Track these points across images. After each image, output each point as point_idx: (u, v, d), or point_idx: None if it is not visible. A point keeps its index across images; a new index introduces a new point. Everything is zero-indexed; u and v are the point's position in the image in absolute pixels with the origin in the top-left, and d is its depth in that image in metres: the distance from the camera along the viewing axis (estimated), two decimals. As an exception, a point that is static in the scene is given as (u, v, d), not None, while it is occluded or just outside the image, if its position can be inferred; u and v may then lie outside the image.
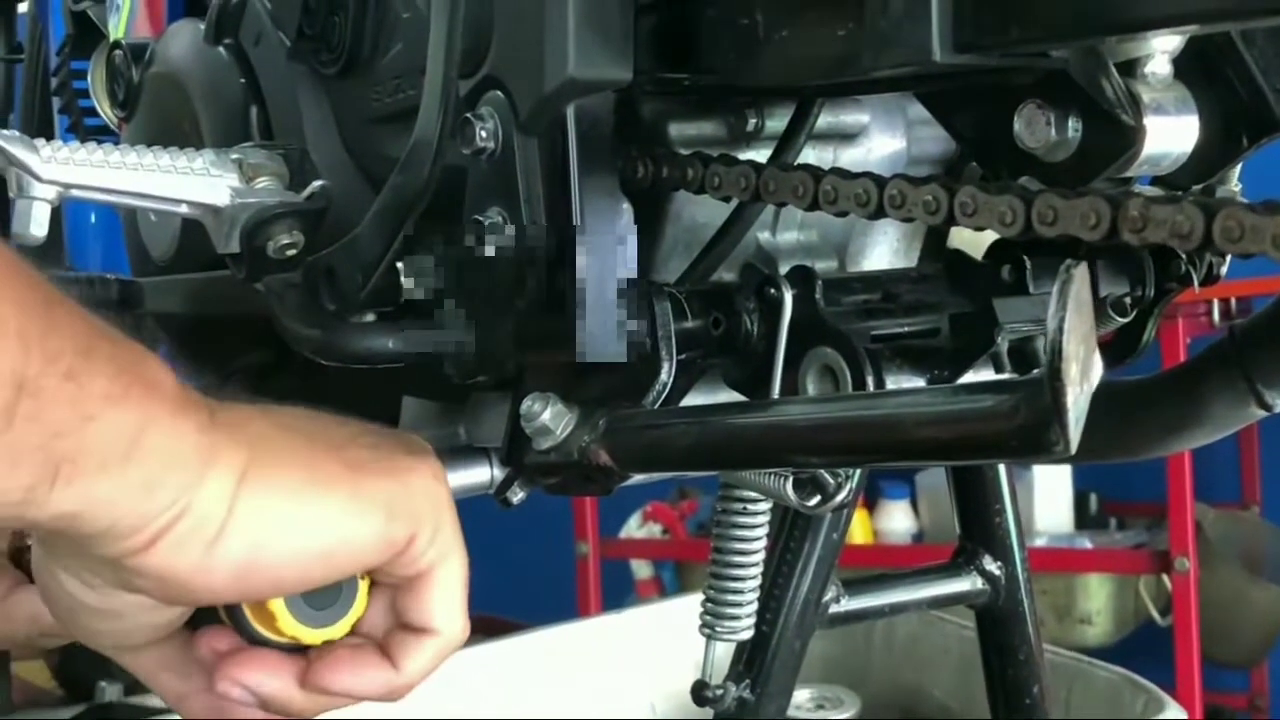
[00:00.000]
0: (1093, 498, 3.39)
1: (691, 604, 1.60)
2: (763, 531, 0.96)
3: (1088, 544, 3.13)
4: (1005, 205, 0.74)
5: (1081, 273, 0.61)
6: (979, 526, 1.08)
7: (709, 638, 0.98)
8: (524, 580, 3.57)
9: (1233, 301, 3.02)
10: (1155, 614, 3.03)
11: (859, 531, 3.26)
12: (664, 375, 0.92)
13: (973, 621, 1.56)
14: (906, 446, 0.71)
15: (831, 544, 0.98)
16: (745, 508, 0.95)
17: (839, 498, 0.84)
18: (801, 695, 1.55)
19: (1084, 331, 0.61)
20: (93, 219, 1.77)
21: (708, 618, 0.98)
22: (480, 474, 1.20)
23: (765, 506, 0.96)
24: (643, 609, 1.64)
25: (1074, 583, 3.04)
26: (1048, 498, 3.27)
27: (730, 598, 0.97)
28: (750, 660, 0.98)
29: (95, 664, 1.96)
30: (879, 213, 0.81)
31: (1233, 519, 3.36)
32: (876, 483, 3.32)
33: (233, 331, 1.18)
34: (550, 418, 0.93)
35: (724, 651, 0.99)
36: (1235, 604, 3.15)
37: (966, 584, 1.07)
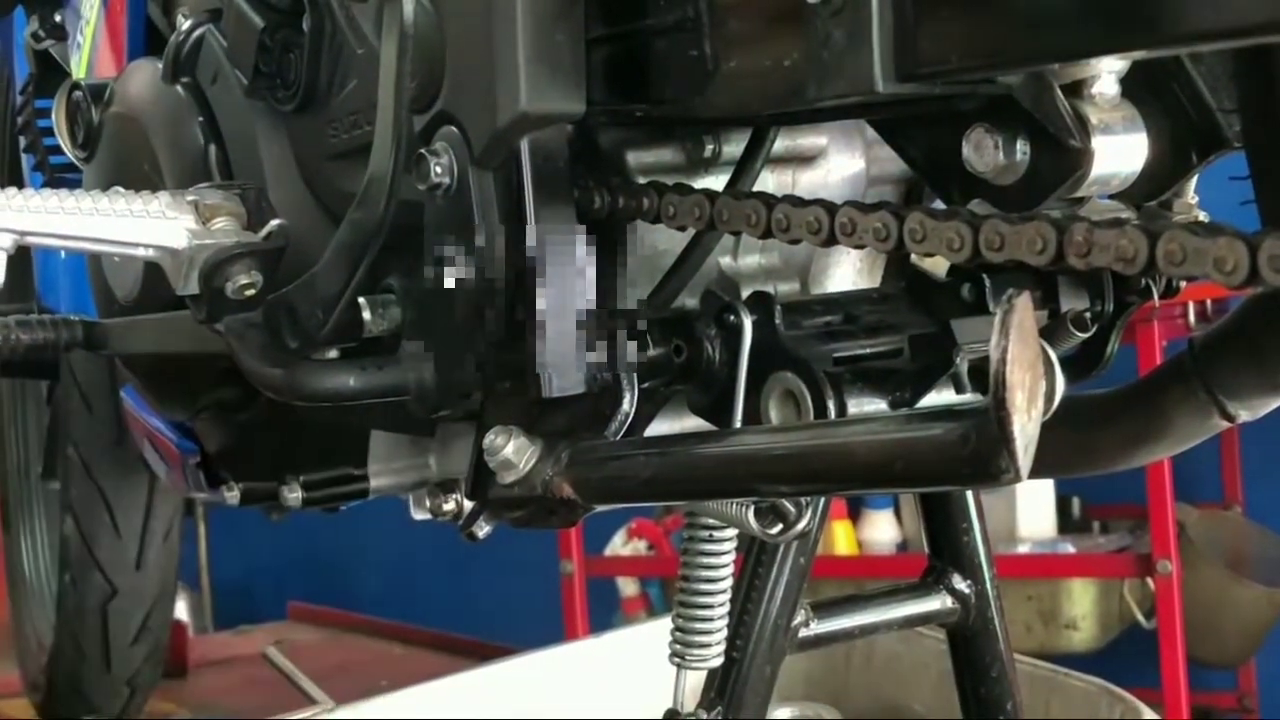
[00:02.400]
0: (1075, 501, 3.39)
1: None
2: (729, 559, 0.96)
3: (1071, 548, 3.13)
4: (953, 231, 0.74)
5: (1024, 302, 0.61)
6: (948, 546, 1.08)
7: (679, 666, 0.98)
8: (509, 601, 3.57)
9: (1208, 303, 3.03)
10: (1140, 617, 3.03)
11: (843, 542, 3.26)
12: (626, 405, 0.92)
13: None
14: (860, 476, 0.72)
15: (799, 568, 0.98)
16: (711, 535, 0.95)
17: (799, 525, 0.84)
18: (782, 713, 1.55)
19: (1029, 358, 0.61)
20: (62, 257, 1.76)
21: (677, 646, 0.98)
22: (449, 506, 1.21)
23: (731, 534, 0.96)
24: (629, 630, 1.64)
25: (1058, 588, 3.04)
26: (1030, 503, 3.27)
27: (699, 625, 0.97)
28: (721, 687, 0.98)
29: (78, 702, 1.96)
30: (831, 240, 0.82)
31: (1216, 519, 3.36)
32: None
33: (201, 368, 1.18)
34: (513, 451, 0.93)
35: (695, 679, 0.99)
36: (1220, 604, 3.15)
37: (937, 603, 1.07)
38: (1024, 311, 0.61)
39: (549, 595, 3.30)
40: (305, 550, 4.32)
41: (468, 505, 1.19)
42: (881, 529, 3.26)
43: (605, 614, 3.39)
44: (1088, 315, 1.06)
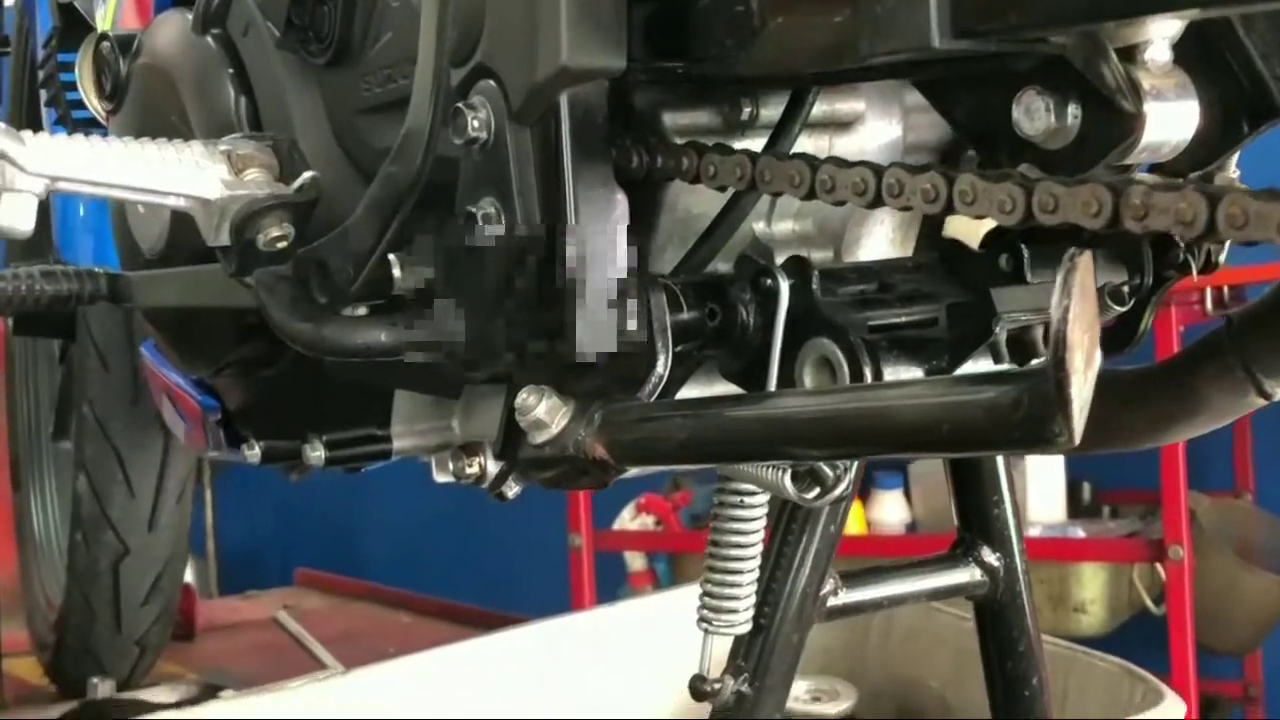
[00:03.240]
0: (1086, 486, 3.38)
1: (691, 594, 1.60)
2: (760, 525, 0.95)
3: (1081, 533, 3.12)
4: (1005, 193, 0.73)
5: (1086, 261, 0.60)
6: (977, 518, 1.07)
7: (707, 631, 0.97)
8: (517, 572, 3.57)
9: (1225, 289, 3.01)
10: (1149, 603, 3.02)
11: (853, 522, 3.25)
12: (660, 368, 0.91)
13: (971, 613, 1.55)
14: (904, 439, 0.70)
15: (829, 536, 0.97)
16: (742, 501, 0.94)
17: (837, 490, 0.83)
18: (798, 687, 1.54)
19: (1088, 320, 0.60)
20: (81, 213, 1.76)
21: (705, 612, 0.97)
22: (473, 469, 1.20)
23: (763, 499, 0.95)
24: (643, 599, 1.63)
25: (1068, 572, 3.03)
26: (1041, 487, 3.26)
27: (728, 591, 0.96)
28: (748, 654, 0.97)
29: (87, 661, 1.96)
30: (877, 201, 0.80)
31: (1226, 507, 3.35)
32: (870, 473, 3.30)
33: (225, 324, 1.17)
34: (545, 411, 0.92)
35: (722, 645, 0.98)
36: (1229, 592, 3.14)
37: (965, 576, 1.06)
38: (1086, 271, 0.59)
39: (556, 568, 3.30)
40: (311, 519, 4.31)
41: (491, 468, 1.18)
42: (891, 509, 3.25)
43: (612, 588, 3.38)
44: (1125, 289, 1.04)
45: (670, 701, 1.58)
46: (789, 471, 0.84)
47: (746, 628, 0.96)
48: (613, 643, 1.58)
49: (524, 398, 0.92)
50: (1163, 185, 0.69)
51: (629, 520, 3.37)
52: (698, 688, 0.96)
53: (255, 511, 4.47)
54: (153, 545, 1.83)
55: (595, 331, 0.91)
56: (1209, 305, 2.96)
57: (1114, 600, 3.05)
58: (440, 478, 1.24)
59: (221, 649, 2.48)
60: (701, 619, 0.97)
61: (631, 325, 0.92)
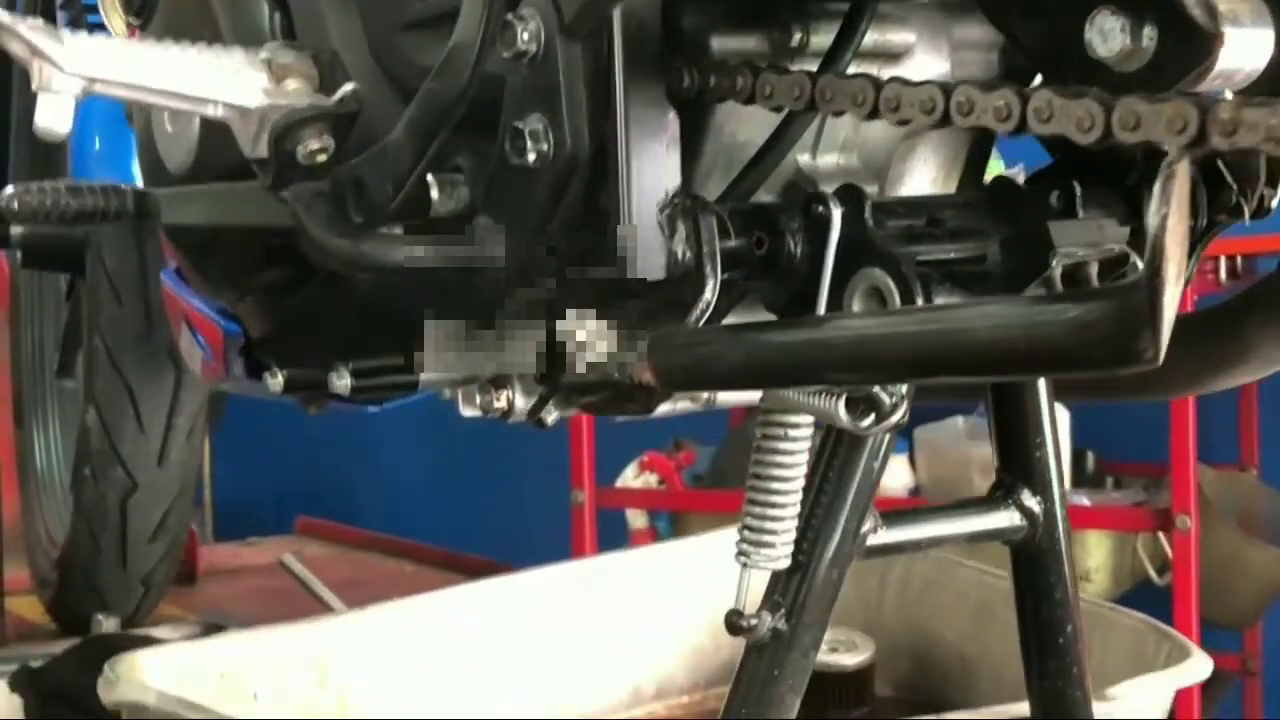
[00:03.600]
0: (1090, 456, 3.36)
1: (717, 539, 1.58)
2: (803, 458, 0.93)
3: (1086, 501, 3.11)
4: (1084, 110, 0.71)
5: (1184, 170, 0.58)
6: (1018, 460, 1.04)
7: (745, 565, 0.95)
8: (517, 528, 3.55)
9: (1239, 259, 3.00)
10: (1152, 572, 3.01)
11: (856, 485, 3.23)
12: (708, 294, 0.89)
13: (991, 566, 1.54)
14: (978, 360, 0.68)
15: (871, 473, 0.95)
16: (786, 433, 0.92)
17: (894, 417, 0.81)
18: (815, 638, 1.52)
19: (1182, 231, 0.58)
20: (97, 145, 1.73)
21: (744, 545, 0.95)
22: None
23: (807, 432, 0.93)
24: (652, 548, 1.61)
25: (1073, 539, 3.02)
26: (1047, 455, 3.24)
27: (768, 525, 0.94)
28: (786, 590, 0.95)
29: (91, 598, 1.94)
30: (944, 120, 0.78)
31: (1230, 480, 3.34)
32: (875, 436, 3.28)
33: (252, 246, 1.14)
34: (589, 335, 0.90)
35: (759, 581, 0.96)
36: (1231, 565, 3.14)
37: (1004, 519, 1.04)
38: (1184, 181, 0.57)
39: (557, 524, 3.28)
40: (308, 470, 4.29)
41: (520, 402, 1.16)
42: (895, 474, 3.24)
43: (613, 545, 3.36)
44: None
45: (688, 646, 1.56)
46: (844, 398, 0.82)
47: (785, 563, 0.94)
48: (625, 588, 1.56)
49: (567, 322, 0.90)
50: (1250, 102, 0.67)
51: (632, 478, 3.36)
52: (734, 622, 0.94)
53: (252, 461, 4.45)
54: (161, 481, 1.81)
55: (643, 255, 0.89)
56: (1223, 275, 2.94)
57: (1118, 569, 3.04)
58: (467, 411, 1.22)
59: (223, 593, 2.46)
60: (740, 553, 0.95)
61: (680, 249, 0.89)
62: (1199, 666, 1.25)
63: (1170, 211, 0.56)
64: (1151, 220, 0.56)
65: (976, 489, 3.19)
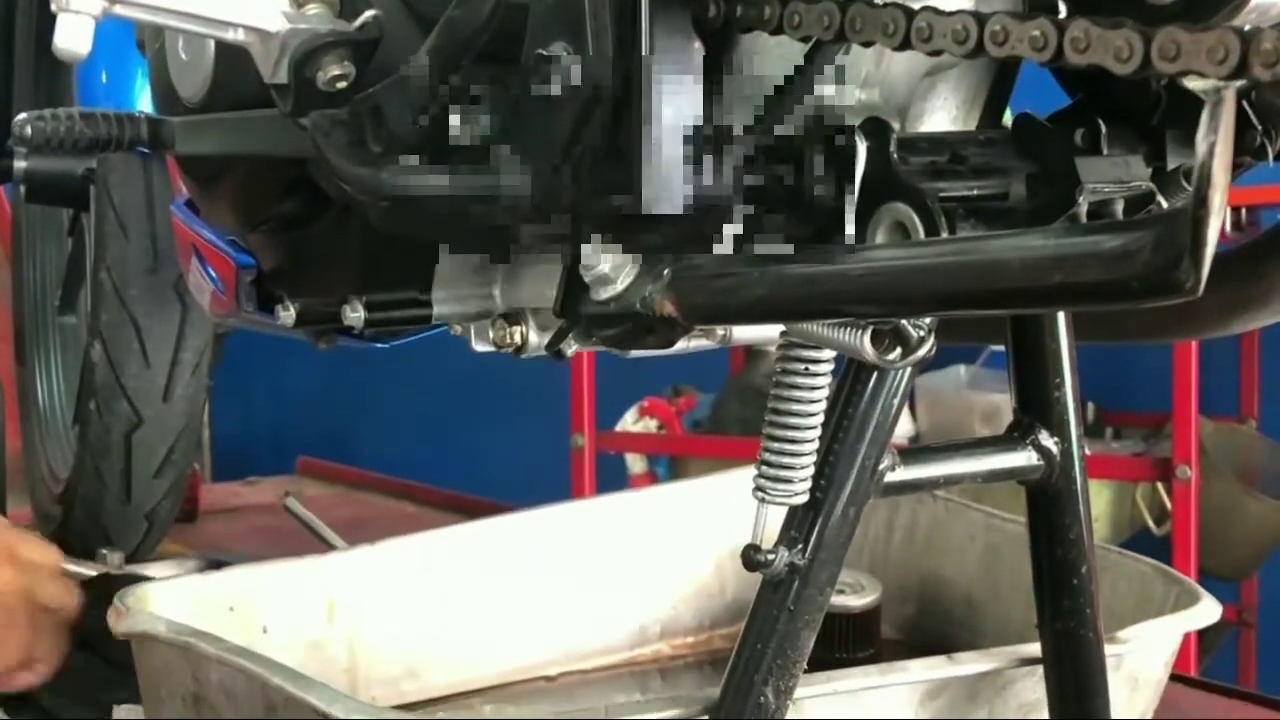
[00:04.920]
0: (1090, 407, 3.37)
1: (725, 480, 1.58)
2: (823, 393, 0.93)
3: (1085, 450, 3.11)
4: (1122, 39, 0.70)
5: (1231, 97, 0.57)
6: (1037, 400, 1.04)
7: (762, 500, 0.94)
8: (517, 470, 3.55)
9: (1243, 211, 2.99)
10: (1150, 522, 3.02)
11: (857, 432, 3.23)
12: (732, 227, 0.88)
13: (999, 509, 1.54)
14: (1011, 291, 0.68)
15: (890, 409, 0.94)
16: (807, 367, 0.92)
17: (921, 351, 0.80)
18: (822, 579, 1.52)
19: (1228, 160, 0.57)
20: (104, 78, 1.71)
21: (761, 481, 0.95)
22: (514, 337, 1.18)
23: (827, 366, 0.92)
24: (654, 489, 1.61)
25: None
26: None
27: (786, 460, 0.93)
28: (802, 526, 0.94)
29: (94, 533, 1.93)
30: (978, 50, 0.77)
31: (1230, 431, 3.35)
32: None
33: (267, 176, 1.13)
34: (611, 266, 0.89)
35: (775, 516, 0.96)
36: (1229, 516, 3.15)
37: (1021, 459, 1.04)
38: (1231, 108, 0.57)
39: (556, 467, 3.29)
40: (307, 412, 4.29)
41: (534, 338, 1.16)
42: (895, 421, 3.23)
43: (612, 490, 3.37)
44: (1199, 172, 1.01)
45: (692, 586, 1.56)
46: (869, 331, 0.82)
47: (802, 499, 0.94)
48: (629, 527, 1.56)
49: (589, 252, 0.89)
50: (1294, 33, 0.66)
51: (631, 423, 3.36)
52: (751, 557, 0.94)
53: (250, 402, 4.45)
54: (167, 416, 1.80)
55: (666, 185, 0.88)
56: (1227, 226, 2.94)
57: (1117, 518, 3.05)
58: (479, 346, 1.22)
59: (225, 531, 2.46)
60: (757, 488, 0.95)
61: (705, 180, 0.89)
62: (1208, 610, 1.25)
63: (1218, 139, 0.55)
64: (1200, 146, 0.56)
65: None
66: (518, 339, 1.17)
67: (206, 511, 2.55)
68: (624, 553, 1.52)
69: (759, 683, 0.96)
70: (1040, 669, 1.14)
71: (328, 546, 2.06)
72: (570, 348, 0.96)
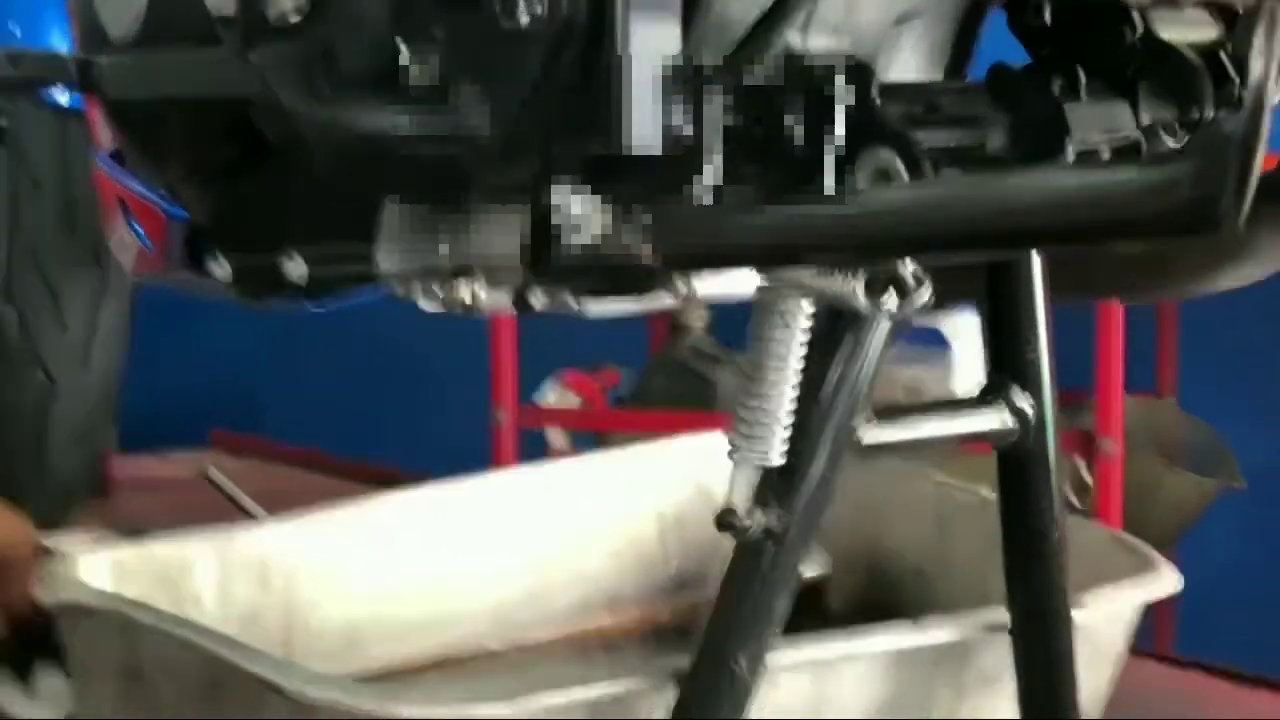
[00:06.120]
0: (1010, 381, 3.36)
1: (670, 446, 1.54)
2: (801, 348, 0.89)
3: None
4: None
5: None
6: (1010, 360, 1.01)
7: (738, 462, 0.90)
8: (436, 443, 3.49)
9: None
10: (1072, 497, 3.02)
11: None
12: (711, 173, 0.84)
13: (951, 477, 1.51)
14: (1036, 228, 0.64)
15: (870, 365, 0.90)
16: (785, 321, 0.88)
17: (921, 297, 0.77)
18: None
19: (1273, 89, 0.54)
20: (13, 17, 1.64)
21: (736, 440, 0.90)
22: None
23: (805, 320, 0.88)
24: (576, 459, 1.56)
25: (991, 460, 3.01)
26: (964, 374, 3.24)
27: (762, 420, 0.89)
28: (779, 488, 0.90)
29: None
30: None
31: (1150, 406, 3.35)
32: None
33: (204, 122, 1.07)
34: (584, 211, 0.84)
35: (748, 479, 0.92)
36: (1149, 491, 3.15)
37: (995, 420, 1.01)
38: None
39: (475, 441, 3.23)
40: (219, 380, 4.16)
41: (483, 296, 1.11)
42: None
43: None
44: (1178, 124, 0.99)
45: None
46: (864, 279, 0.78)
47: (779, 460, 0.90)
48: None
49: (561, 196, 0.85)
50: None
51: (552, 397, 3.30)
52: (727, 520, 0.90)
53: (159, 371, 4.31)
54: (84, 384, 1.73)
55: (639, 127, 0.84)
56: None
57: (1040, 493, 3.04)
58: (427, 305, 1.16)
59: (141, 506, 2.38)
60: (732, 448, 0.91)
61: (680, 121, 0.85)
62: (1168, 580, 1.23)
63: (1273, 55, 0.52)
64: (1253, 66, 0.52)
65: (902, 412, 3.17)
66: (467, 296, 1.12)
67: (119, 485, 2.47)
68: (567, 522, 1.47)
69: (732, 650, 0.92)
70: (1002, 638, 1.12)
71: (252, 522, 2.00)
72: (539, 301, 0.91)
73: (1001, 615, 1.11)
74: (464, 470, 2.98)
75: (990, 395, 1.01)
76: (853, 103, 0.85)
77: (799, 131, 0.86)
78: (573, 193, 0.84)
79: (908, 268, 0.77)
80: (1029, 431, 1.01)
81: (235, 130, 1.08)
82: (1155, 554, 1.26)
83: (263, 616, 1.27)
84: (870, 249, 0.76)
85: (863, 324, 0.89)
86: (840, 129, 0.84)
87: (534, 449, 3.34)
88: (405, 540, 1.38)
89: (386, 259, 1.13)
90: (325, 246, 1.12)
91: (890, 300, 0.78)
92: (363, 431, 3.62)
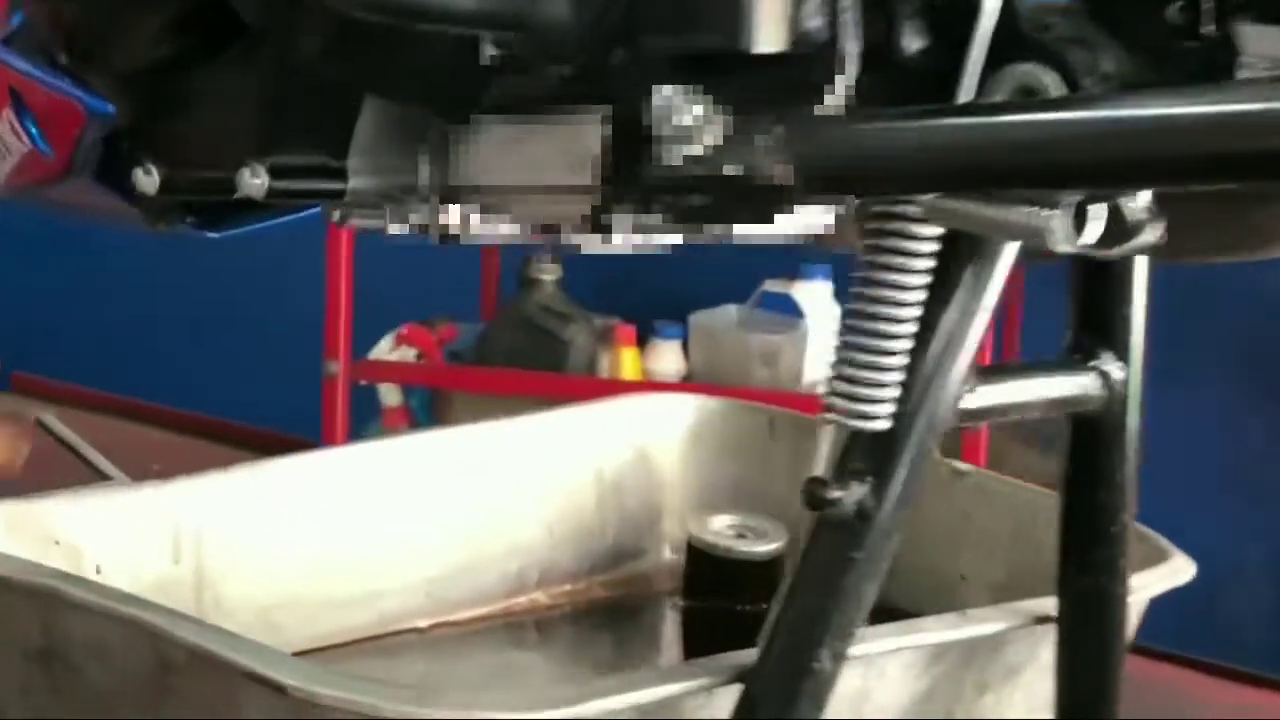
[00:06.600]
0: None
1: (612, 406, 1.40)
2: (923, 290, 0.75)
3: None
4: None
5: None
6: (1103, 320, 0.89)
7: (836, 424, 0.77)
8: (262, 393, 3.27)
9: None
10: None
11: (629, 369, 3.08)
12: (848, 76, 0.70)
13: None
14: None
15: (984, 317, 0.78)
16: (907, 262, 0.74)
17: (1148, 237, 0.64)
18: (719, 522, 1.36)
19: None
20: None
21: (835, 400, 0.76)
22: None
23: (929, 261, 0.75)
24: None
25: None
26: (819, 349, 3.16)
27: (868, 375, 0.76)
28: (878, 456, 0.77)
29: None
30: None
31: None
32: (650, 323, 3.14)
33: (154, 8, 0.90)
34: (698, 118, 0.70)
35: (843, 446, 0.78)
36: (999, 466, 3.11)
37: (1083, 384, 0.89)
38: None
39: (304, 393, 3.02)
40: (18, 317, 3.82)
41: (476, 222, 0.96)
42: (668, 360, 3.10)
43: (362, 423, 3.13)
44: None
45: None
46: (1070, 208, 0.64)
47: (884, 424, 0.77)
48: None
49: (666, 99, 0.70)
50: None
51: (387, 351, 3.11)
52: (819, 494, 0.77)
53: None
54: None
55: (762, 20, 0.69)
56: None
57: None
58: (396, 230, 1.00)
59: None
60: (828, 408, 0.77)
61: (809, 15, 0.70)
62: (1181, 569, 1.13)
63: None
64: None
65: (758, 380, 3.08)
66: (453, 220, 0.96)
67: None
68: (499, 489, 1.32)
69: (813, 644, 0.79)
70: (1036, 628, 1.01)
71: (96, 474, 1.78)
72: (621, 228, 0.76)
73: (1044, 606, 1.00)
74: (292, 422, 2.77)
75: (1077, 356, 0.89)
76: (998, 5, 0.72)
77: (931, 45, 0.73)
78: (682, 95, 0.69)
79: (1136, 198, 0.65)
80: (1115, 399, 0.90)
81: (197, 12, 0.91)
82: (1167, 543, 1.16)
83: (173, 589, 1.09)
84: (1064, 175, 0.63)
85: (985, 263, 0.76)
86: (984, 37, 0.71)
87: (367, 406, 3.15)
88: (324, 506, 1.21)
89: (359, 175, 0.97)
90: (293, 156, 0.94)
91: (1092, 238, 0.65)
92: (183, 380, 3.37)
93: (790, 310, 3.17)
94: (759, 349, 3.06)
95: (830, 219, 0.99)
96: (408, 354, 3.11)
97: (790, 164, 0.67)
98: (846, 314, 0.77)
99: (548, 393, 3.07)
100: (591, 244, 0.90)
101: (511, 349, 3.02)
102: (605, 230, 0.74)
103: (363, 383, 3.05)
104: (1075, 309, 0.90)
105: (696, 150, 0.69)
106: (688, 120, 0.69)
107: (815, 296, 3.18)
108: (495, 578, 1.30)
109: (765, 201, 0.69)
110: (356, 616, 1.21)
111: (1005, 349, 3.42)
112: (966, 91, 0.71)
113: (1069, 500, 0.95)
